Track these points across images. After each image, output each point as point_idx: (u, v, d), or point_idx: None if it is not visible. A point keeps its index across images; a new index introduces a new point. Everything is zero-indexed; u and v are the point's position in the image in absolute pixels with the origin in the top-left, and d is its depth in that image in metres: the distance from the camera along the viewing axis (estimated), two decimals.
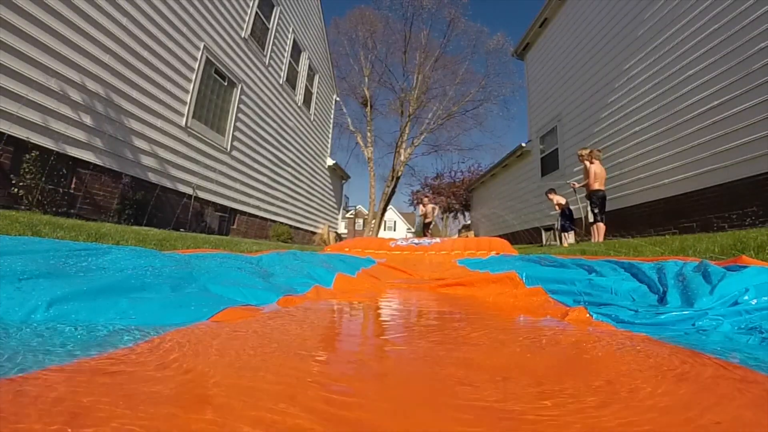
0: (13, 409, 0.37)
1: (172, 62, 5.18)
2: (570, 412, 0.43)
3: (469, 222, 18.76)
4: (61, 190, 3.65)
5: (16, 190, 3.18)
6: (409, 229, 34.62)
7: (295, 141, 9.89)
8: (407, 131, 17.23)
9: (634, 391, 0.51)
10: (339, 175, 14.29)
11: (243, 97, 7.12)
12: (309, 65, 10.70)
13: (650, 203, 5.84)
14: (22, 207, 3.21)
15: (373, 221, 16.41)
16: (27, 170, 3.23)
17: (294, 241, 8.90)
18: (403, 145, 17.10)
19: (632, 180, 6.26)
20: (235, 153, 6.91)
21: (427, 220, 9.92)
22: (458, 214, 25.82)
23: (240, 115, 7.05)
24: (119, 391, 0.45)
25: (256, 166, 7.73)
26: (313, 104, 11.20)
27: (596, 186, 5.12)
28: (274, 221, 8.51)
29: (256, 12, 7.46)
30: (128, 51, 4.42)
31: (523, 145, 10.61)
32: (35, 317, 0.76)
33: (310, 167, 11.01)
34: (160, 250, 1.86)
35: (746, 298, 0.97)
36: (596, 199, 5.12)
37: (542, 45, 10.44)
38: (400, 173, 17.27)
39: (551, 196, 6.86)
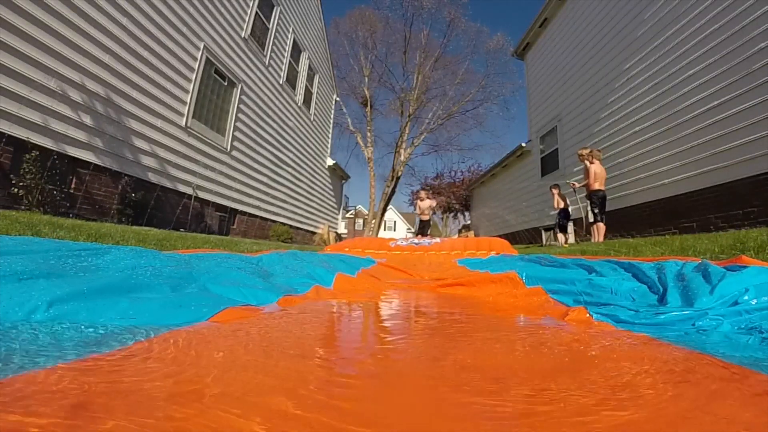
0: (13, 409, 0.37)
1: (172, 62, 5.18)
2: (570, 412, 0.43)
3: (469, 222, 18.76)
4: (61, 190, 3.65)
5: (16, 190, 3.18)
6: (409, 229, 34.62)
7: (295, 141, 9.89)
8: (407, 131, 17.23)
9: (633, 390, 0.51)
10: (339, 175, 14.29)
11: (243, 97, 7.12)
12: (309, 65, 10.70)
13: (650, 203, 5.84)
14: (22, 207, 3.21)
15: (373, 221, 16.42)
16: (27, 170, 3.23)
17: (294, 241, 8.90)
18: (403, 145, 17.11)
19: (632, 180, 6.26)
20: (235, 153, 6.91)
21: (424, 217, 8.75)
22: (458, 214, 25.84)
23: (240, 115, 7.05)
24: (119, 390, 0.45)
25: (256, 166, 7.73)
26: (313, 104, 11.20)
27: (596, 186, 5.12)
28: (274, 221, 8.51)
29: (256, 12, 7.46)
30: (128, 51, 4.42)
31: (523, 145, 10.61)
32: (35, 317, 0.76)
33: (310, 167, 11.01)
34: (160, 250, 1.86)
35: (746, 298, 0.97)
36: (596, 199, 5.12)
37: (542, 45, 10.44)
38: (400, 173, 17.28)
39: (555, 191, 6.80)
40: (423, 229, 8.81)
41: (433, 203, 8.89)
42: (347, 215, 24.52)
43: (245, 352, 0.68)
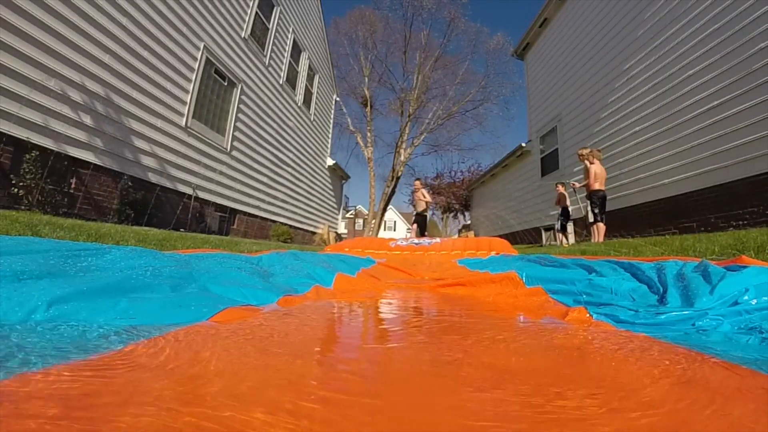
0: (13, 409, 0.37)
1: (172, 62, 5.18)
2: (569, 412, 0.43)
3: (469, 222, 18.77)
4: (61, 190, 3.65)
5: (16, 190, 3.18)
6: (409, 229, 34.62)
7: (295, 141, 9.89)
8: (407, 131, 17.23)
9: (633, 390, 0.51)
10: (339, 175, 14.29)
11: (243, 97, 7.12)
12: (309, 65, 10.70)
13: (650, 203, 5.84)
14: (22, 207, 3.21)
15: (373, 221, 16.41)
16: (27, 170, 3.23)
17: (294, 241, 8.90)
18: (403, 145, 17.11)
19: (632, 180, 6.26)
20: (235, 153, 6.91)
21: (421, 209, 7.76)
22: (458, 214, 25.83)
23: (240, 115, 7.06)
24: (119, 389, 0.45)
25: (256, 166, 7.73)
26: (313, 104, 11.20)
27: (596, 186, 5.12)
28: (274, 221, 8.51)
29: (256, 12, 7.46)
30: (128, 51, 4.42)
31: (523, 145, 10.61)
32: (35, 317, 0.76)
33: (310, 167, 11.01)
34: (160, 250, 1.86)
35: (746, 298, 0.97)
36: (596, 199, 5.12)
37: (542, 45, 10.44)
38: (400, 173, 17.27)
39: (560, 188, 6.77)
40: (419, 225, 7.81)
41: (427, 194, 7.89)
42: (347, 215, 24.51)
43: (245, 352, 0.68)
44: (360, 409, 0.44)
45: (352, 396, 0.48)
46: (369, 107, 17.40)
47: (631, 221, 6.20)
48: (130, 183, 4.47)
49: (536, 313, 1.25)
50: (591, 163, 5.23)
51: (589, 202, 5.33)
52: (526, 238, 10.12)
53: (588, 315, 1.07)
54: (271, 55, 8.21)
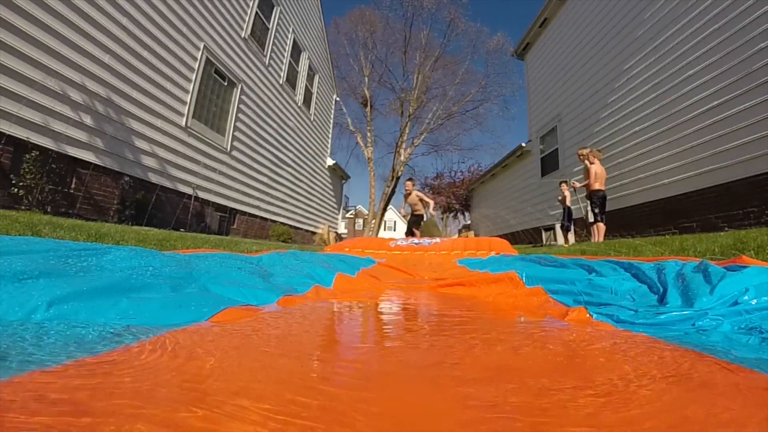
0: (12, 409, 0.37)
1: (172, 62, 5.18)
2: (569, 412, 0.43)
3: (469, 222, 18.75)
4: (61, 190, 3.65)
5: (16, 190, 3.18)
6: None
7: (295, 141, 9.89)
8: (407, 131, 17.24)
9: (633, 390, 0.51)
10: (339, 175, 14.29)
11: (243, 97, 7.12)
12: (309, 65, 10.70)
13: (650, 203, 5.84)
14: (22, 207, 3.21)
15: (373, 221, 16.42)
16: (27, 170, 3.23)
17: (294, 241, 8.90)
18: (403, 145, 17.12)
19: (632, 180, 6.26)
20: (235, 153, 6.92)
21: (417, 212, 6.78)
22: (458, 214, 25.82)
23: (240, 115, 7.06)
24: (119, 389, 0.45)
25: (256, 166, 7.73)
26: (313, 104, 11.20)
27: (597, 186, 5.12)
28: (274, 221, 8.51)
29: (256, 12, 7.46)
30: (128, 51, 4.42)
31: (523, 145, 10.61)
32: (35, 317, 0.76)
33: (310, 167, 11.01)
34: (160, 250, 1.86)
35: (746, 298, 0.97)
36: (596, 199, 5.12)
37: (542, 45, 10.44)
38: (400, 173, 17.27)
39: (564, 187, 6.74)
40: (414, 225, 6.84)
41: (417, 194, 6.78)
42: (347, 215, 24.51)
43: (245, 352, 0.68)
44: (360, 408, 0.44)
45: (352, 395, 0.48)
46: (369, 107, 17.41)
47: (631, 221, 6.20)
48: (130, 183, 4.47)
49: (536, 313, 1.25)
50: (591, 163, 5.23)
51: (589, 202, 5.33)
52: (526, 238, 10.11)
53: (588, 315, 1.07)
54: (271, 55, 8.21)
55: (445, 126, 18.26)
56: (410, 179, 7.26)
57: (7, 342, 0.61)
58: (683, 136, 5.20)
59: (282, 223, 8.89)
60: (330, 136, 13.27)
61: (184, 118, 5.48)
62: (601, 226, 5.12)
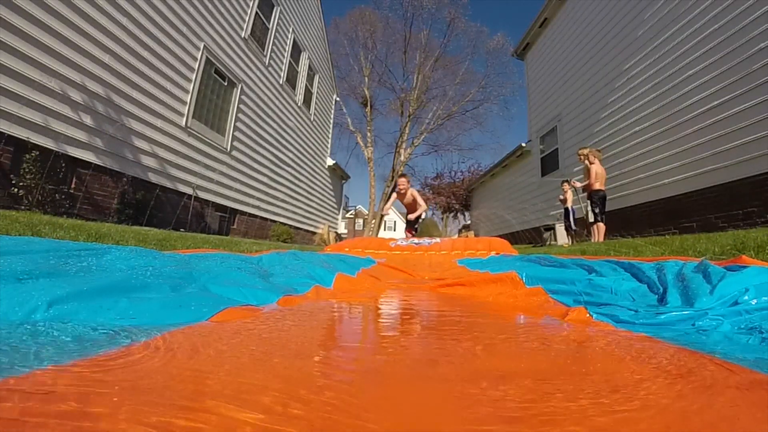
0: (11, 409, 0.37)
1: (172, 62, 5.18)
2: (568, 412, 0.43)
3: (469, 222, 18.76)
4: (61, 190, 3.65)
5: (16, 190, 3.18)
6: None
7: (295, 141, 9.89)
8: (407, 131, 17.26)
9: (632, 390, 0.51)
10: (339, 175, 14.30)
11: (243, 97, 7.12)
12: (309, 65, 10.70)
13: (650, 203, 5.84)
14: (22, 207, 3.21)
15: (373, 221, 16.42)
16: (27, 170, 3.23)
17: (294, 241, 8.90)
18: (403, 145, 17.14)
19: (632, 180, 6.26)
20: (235, 153, 6.92)
21: (415, 215, 5.93)
22: (458, 214, 25.82)
23: (240, 115, 7.06)
24: (119, 389, 0.45)
25: (256, 166, 7.73)
26: (313, 104, 11.20)
27: (597, 186, 5.13)
28: (274, 221, 8.51)
29: (256, 12, 7.46)
30: (128, 51, 4.42)
31: (523, 145, 10.61)
32: (35, 317, 0.76)
33: (310, 167, 11.02)
34: (160, 250, 1.86)
35: (746, 298, 0.97)
36: (597, 199, 5.13)
37: (542, 45, 10.44)
38: (400, 173, 17.28)
39: (566, 187, 6.73)
40: (411, 226, 6.13)
41: (409, 190, 5.90)
42: (347, 215, 24.51)
43: (245, 352, 0.68)
44: (361, 408, 0.44)
45: (353, 395, 0.48)
46: (369, 107, 17.42)
47: (631, 221, 6.20)
48: (130, 183, 4.47)
49: (536, 313, 1.25)
50: (591, 163, 5.24)
51: (589, 201, 5.33)
52: (526, 238, 10.12)
53: (588, 315, 1.07)
54: (271, 55, 8.21)
55: (445, 126, 18.31)
56: (403, 175, 6.13)
57: (6, 342, 0.61)
58: (683, 136, 5.20)
59: (282, 223, 8.89)
60: (330, 136, 13.27)
61: (184, 118, 5.48)
62: (601, 226, 5.12)
